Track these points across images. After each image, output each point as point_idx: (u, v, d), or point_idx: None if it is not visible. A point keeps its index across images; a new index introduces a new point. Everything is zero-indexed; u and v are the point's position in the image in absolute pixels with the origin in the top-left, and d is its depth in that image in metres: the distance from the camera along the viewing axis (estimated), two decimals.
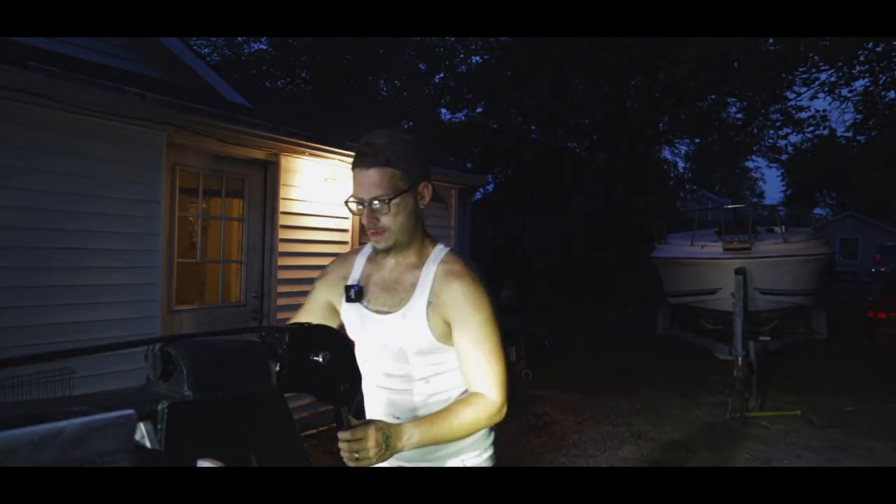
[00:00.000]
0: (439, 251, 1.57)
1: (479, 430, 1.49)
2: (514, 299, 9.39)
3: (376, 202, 1.46)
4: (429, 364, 1.54)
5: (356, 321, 1.60)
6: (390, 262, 1.58)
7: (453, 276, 1.50)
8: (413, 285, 1.53)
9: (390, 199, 1.45)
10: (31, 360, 0.82)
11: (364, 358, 1.59)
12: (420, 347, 1.52)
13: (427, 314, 1.49)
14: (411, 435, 1.36)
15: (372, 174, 1.45)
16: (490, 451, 1.61)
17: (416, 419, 1.43)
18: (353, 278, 1.62)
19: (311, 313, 1.67)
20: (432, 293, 1.50)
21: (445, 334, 1.51)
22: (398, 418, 1.54)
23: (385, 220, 1.48)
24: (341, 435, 1.30)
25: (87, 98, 3.74)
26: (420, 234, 1.57)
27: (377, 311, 1.56)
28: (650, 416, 6.30)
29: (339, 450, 1.30)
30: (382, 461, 1.32)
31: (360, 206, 1.49)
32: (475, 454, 1.57)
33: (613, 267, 15.36)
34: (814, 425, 6.05)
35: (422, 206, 1.53)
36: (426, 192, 1.53)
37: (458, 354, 1.50)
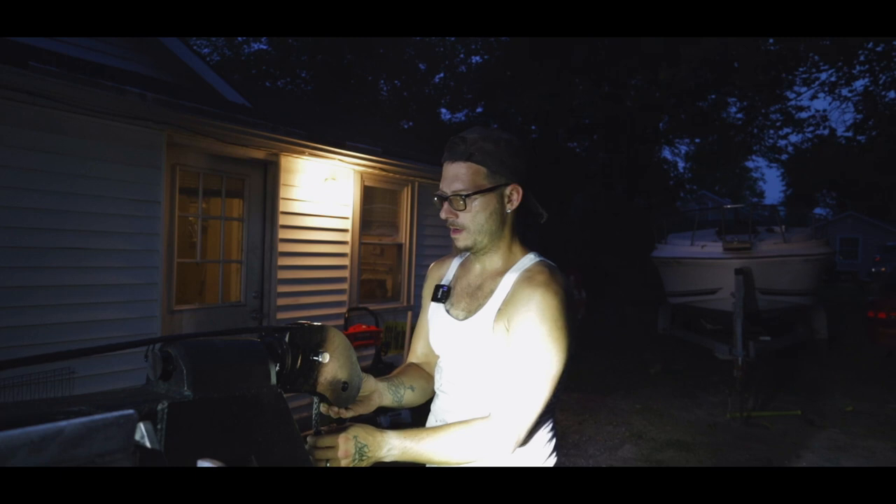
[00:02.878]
0: (528, 259, 1.45)
1: (474, 456, 1.29)
2: (584, 298, 9.36)
3: (454, 197, 1.39)
4: (490, 378, 1.41)
5: (436, 322, 1.54)
6: (477, 267, 1.51)
7: (530, 282, 1.36)
8: (491, 292, 1.42)
9: (467, 196, 1.38)
10: (31, 361, 0.82)
11: (439, 361, 1.56)
12: (482, 356, 1.41)
13: (494, 321, 1.38)
14: (392, 447, 1.24)
15: (455, 168, 1.40)
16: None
17: (405, 430, 1.30)
18: (446, 279, 1.58)
19: (421, 325, 1.64)
20: (505, 300, 1.38)
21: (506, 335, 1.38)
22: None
23: (463, 218, 1.41)
24: (310, 440, 1.21)
25: (87, 98, 3.74)
26: (507, 240, 1.46)
27: (454, 317, 1.48)
28: (650, 416, 6.30)
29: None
30: (362, 465, 1.23)
31: (441, 200, 1.43)
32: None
33: (613, 267, 15.36)
34: (814, 425, 6.06)
35: (508, 211, 1.43)
36: (515, 195, 1.42)
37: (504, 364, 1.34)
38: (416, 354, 1.67)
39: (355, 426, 1.25)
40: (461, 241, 1.43)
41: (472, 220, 1.40)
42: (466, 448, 1.29)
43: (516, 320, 1.33)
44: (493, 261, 1.47)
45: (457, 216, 1.41)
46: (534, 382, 1.31)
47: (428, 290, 1.61)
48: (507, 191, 1.42)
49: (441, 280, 1.59)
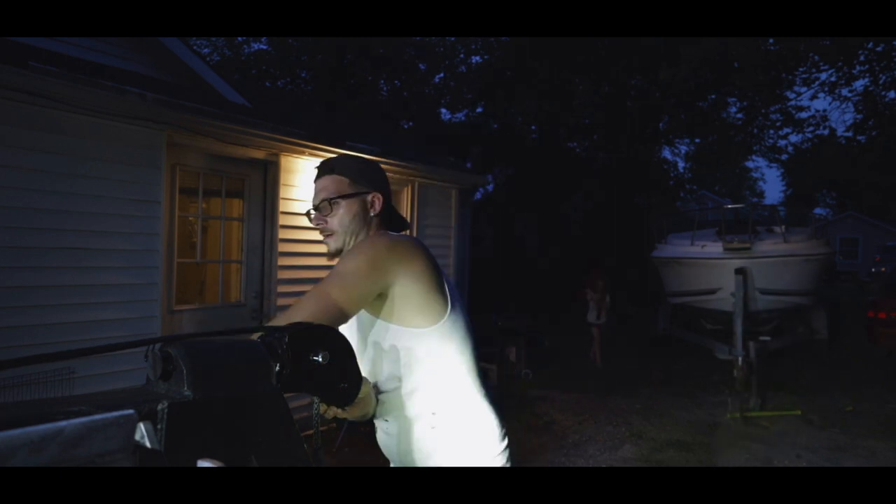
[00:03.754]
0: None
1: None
2: (608, 303, 8.82)
3: (323, 203, 1.57)
4: (390, 356, 1.47)
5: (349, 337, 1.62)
6: None
7: None
8: None
9: (332, 200, 1.56)
10: (31, 361, 0.82)
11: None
12: (370, 335, 1.49)
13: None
14: None
15: (322, 181, 1.59)
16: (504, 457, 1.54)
17: None
18: None
19: None
20: None
21: (377, 307, 1.45)
22: (387, 420, 1.52)
23: (331, 222, 1.56)
24: None
25: (87, 98, 3.74)
26: None
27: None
28: (650, 416, 6.30)
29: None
30: None
31: (313, 212, 1.60)
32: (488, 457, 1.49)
33: (614, 267, 15.36)
34: (814, 425, 6.06)
35: (372, 215, 1.58)
36: (376, 202, 1.59)
37: None
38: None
39: None
40: (332, 244, 1.58)
41: (339, 222, 1.56)
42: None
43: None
44: None
45: (326, 222, 1.57)
46: (314, 297, 1.36)
47: None
48: (369, 198, 1.59)
49: None
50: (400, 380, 1.47)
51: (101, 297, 3.96)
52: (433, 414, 1.46)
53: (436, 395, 1.46)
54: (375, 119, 12.31)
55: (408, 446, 1.48)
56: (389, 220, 1.63)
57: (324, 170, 1.61)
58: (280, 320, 1.30)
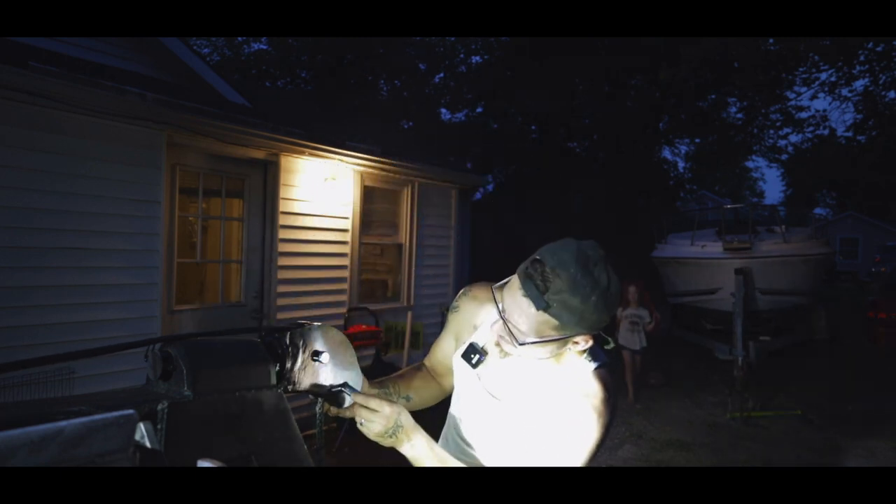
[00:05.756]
0: (584, 366, 1.34)
1: None
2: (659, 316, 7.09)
3: (511, 333, 1.25)
4: (513, 446, 1.38)
5: (466, 382, 1.47)
6: None
7: (586, 400, 1.29)
8: (535, 383, 1.36)
9: (531, 343, 1.24)
10: (32, 364, 0.82)
11: (457, 408, 1.51)
12: (514, 435, 1.37)
13: (533, 413, 1.34)
14: (416, 445, 1.25)
15: (526, 306, 1.21)
16: None
17: (433, 442, 1.31)
18: (481, 335, 1.46)
19: (442, 348, 1.62)
20: (549, 398, 1.32)
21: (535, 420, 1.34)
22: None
23: (519, 347, 1.27)
24: (357, 398, 1.25)
25: (87, 98, 3.74)
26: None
27: (487, 390, 1.41)
28: (650, 416, 6.30)
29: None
30: (382, 443, 1.25)
31: (499, 315, 1.28)
32: None
33: (613, 266, 15.32)
34: (814, 425, 6.06)
35: (571, 351, 1.31)
36: (583, 342, 1.28)
37: (532, 450, 1.30)
38: (429, 360, 1.67)
39: (401, 408, 1.26)
40: (506, 349, 1.31)
41: (529, 354, 1.28)
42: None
43: (559, 432, 1.28)
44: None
45: (507, 340, 1.28)
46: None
47: (456, 319, 1.55)
48: (577, 338, 1.27)
49: (475, 328, 1.50)
50: (501, 454, 1.41)
51: (101, 297, 3.96)
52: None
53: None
54: (375, 119, 12.30)
55: None
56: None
57: (533, 294, 1.20)
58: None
